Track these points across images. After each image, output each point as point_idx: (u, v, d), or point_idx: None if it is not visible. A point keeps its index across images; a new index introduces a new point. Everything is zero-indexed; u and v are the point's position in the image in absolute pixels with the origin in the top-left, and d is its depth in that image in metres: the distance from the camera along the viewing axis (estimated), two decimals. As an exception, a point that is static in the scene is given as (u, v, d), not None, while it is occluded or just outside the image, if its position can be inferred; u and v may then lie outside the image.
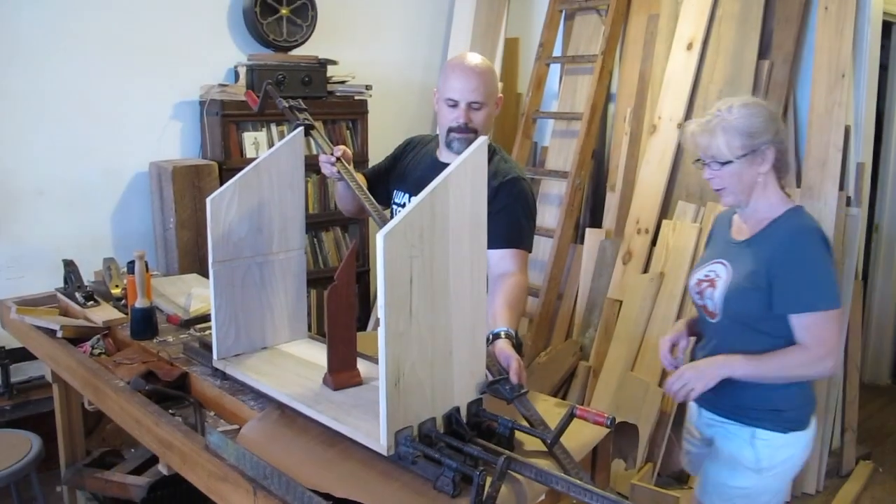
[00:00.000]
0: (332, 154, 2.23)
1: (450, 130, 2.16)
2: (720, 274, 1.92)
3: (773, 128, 1.83)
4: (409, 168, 2.37)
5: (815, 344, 1.78)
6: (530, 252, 2.19)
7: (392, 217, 2.17)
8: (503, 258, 2.09)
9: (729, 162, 1.83)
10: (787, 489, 2.01)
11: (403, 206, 2.30)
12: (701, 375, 1.85)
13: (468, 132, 2.13)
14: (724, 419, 1.95)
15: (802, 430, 1.92)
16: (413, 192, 2.22)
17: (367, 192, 2.18)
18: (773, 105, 1.94)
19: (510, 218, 2.12)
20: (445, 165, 1.83)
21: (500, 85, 2.29)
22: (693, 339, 2.09)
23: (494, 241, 1.96)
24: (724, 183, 1.87)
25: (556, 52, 4.37)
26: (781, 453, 1.90)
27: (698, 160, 1.91)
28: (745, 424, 1.90)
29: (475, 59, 2.15)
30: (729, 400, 1.91)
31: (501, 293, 1.99)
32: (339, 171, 2.22)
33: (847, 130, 3.40)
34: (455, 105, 2.13)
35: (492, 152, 2.21)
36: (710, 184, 1.91)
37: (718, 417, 1.96)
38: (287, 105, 2.38)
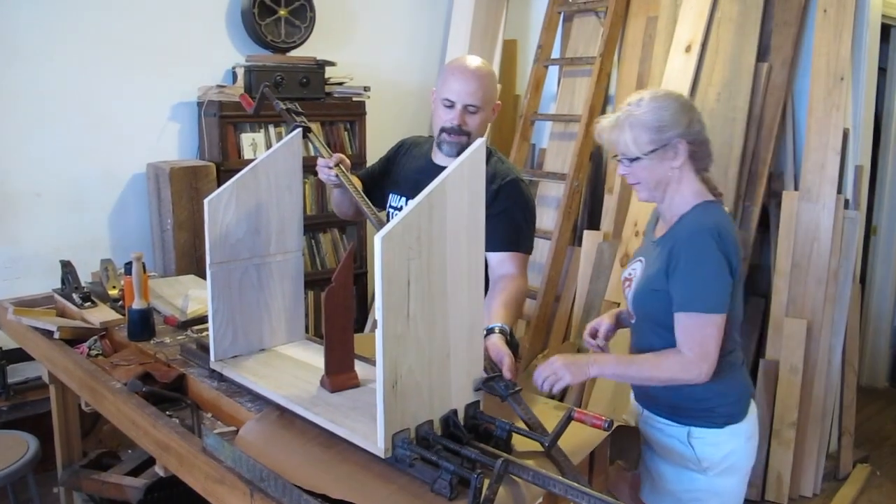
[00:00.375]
0: (330, 158, 2.24)
1: (442, 130, 2.16)
2: (637, 273, 1.89)
3: (683, 120, 1.76)
4: (404, 170, 2.36)
5: (690, 346, 1.73)
6: (530, 254, 2.20)
7: (388, 220, 2.18)
8: (503, 261, 2.10)
9: (638, 158, 1.78)
10: (743, 488, 1.94)
11: (400, 209, 2.30)
12: (570, 370, 1.78)
13: (461, 135, 2.12)
14: (661, 418, 1.90)
15: (739, 421, 1.87)
16: (409, 194, 2.22)
17: (365, 196, 2.18)
18: (686, 96, 1.85)
19: (510, 220, 2.11)
20: (440, 167, 1.88)
21: (498, 91, 2.29)
22: (616, 328, 2.06)
23: (494, 244, 2.00)
24: (638, 178, 1.82)
25: (555, 54, 4.37)
26: (722, 449, 1.85)
27: (615, 156, 1.86)
28: (680, 424, 1.86)
29: (476, 62, 2.14)
30: (664, 399, 1.88)
31: (500, 294, 2.00)
32: (337, 176, 2.21)
33: (845, 133, 3.41)
34: (451, 106, 2.12)
35: (489, 154, 2.19)
36: (626, 179, 1.87)
37: (656, 416, 1.92)
38: (284, 107, 2.37)
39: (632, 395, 2.07)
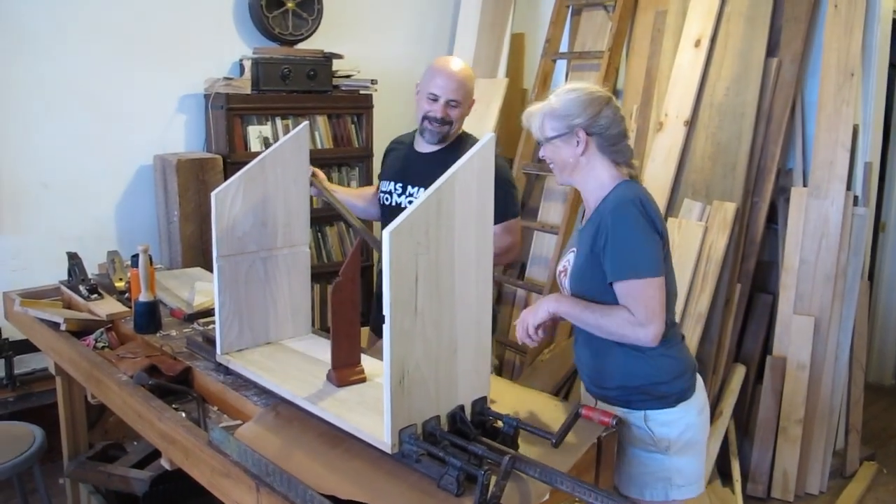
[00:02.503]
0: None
1: (425, 118, 2.44)
2: (570, 262, 1.96)
3: (589, 112, 1.85)
4: (391, 161, 2.65)
5: (636, 310, 1.78)
6: (518, 216, 2.51)
7: (381, 204, 2.60)
8: (498, 237, 2.24)
9: (544, 142, 1.92)
10: (702, 460, 1.98)
11: (388, 192, 2.59)
12: (533, 311, 1.89)
13: (443, 125, 2.42)
14: (616, 407, 1.92)
15: (690, 397, 1.92)
16: (395, 179, 2.57)
17: (343, 204, 2.55)
18: (604, 92, 1.92)
19: (499, 194, 2.28)
20: (420, 154, 2.51)
21: (474, 90, 2.53)
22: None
23: None
24: (550, 160, 1.95)
25: (563, 48, 4.35)
26: (677, 426, 1.89)
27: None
28: (635, 409, 1.89)
29: (459, 63, 2.45)
30: (615, 386, 1.91)
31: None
32: (314, 185, 2.51)
33: (855, 130, 3.39)
34: (436, 100, 2.40)
35: (467, 138, 2.54)
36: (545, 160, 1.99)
37: (611, 407, 1.93)
38: None
39: (582, 388, 2.11)
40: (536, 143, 4.30)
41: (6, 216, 3.48)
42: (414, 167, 2.53)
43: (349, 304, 1.75)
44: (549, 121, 1.89)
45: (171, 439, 1.78)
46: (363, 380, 1.80)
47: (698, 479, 1.96)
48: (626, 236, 1.80)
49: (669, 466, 1.89)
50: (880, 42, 3.52)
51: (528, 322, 1.89)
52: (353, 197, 2.79)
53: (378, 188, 2.69)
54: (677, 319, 1.99)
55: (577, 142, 1.87)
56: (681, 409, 1.90)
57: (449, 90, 2.39)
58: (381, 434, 1.46)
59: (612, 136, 1.88)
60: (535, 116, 1.93)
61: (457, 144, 2.50)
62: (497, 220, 2.17)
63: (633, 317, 1.78)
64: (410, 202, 2.47)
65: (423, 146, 2.53)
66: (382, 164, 2.71)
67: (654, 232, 1.82)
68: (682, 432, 1.90)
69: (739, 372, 3.54)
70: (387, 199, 2.60)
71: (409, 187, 2.52)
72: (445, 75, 2.40)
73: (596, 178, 1.91)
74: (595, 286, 1.86)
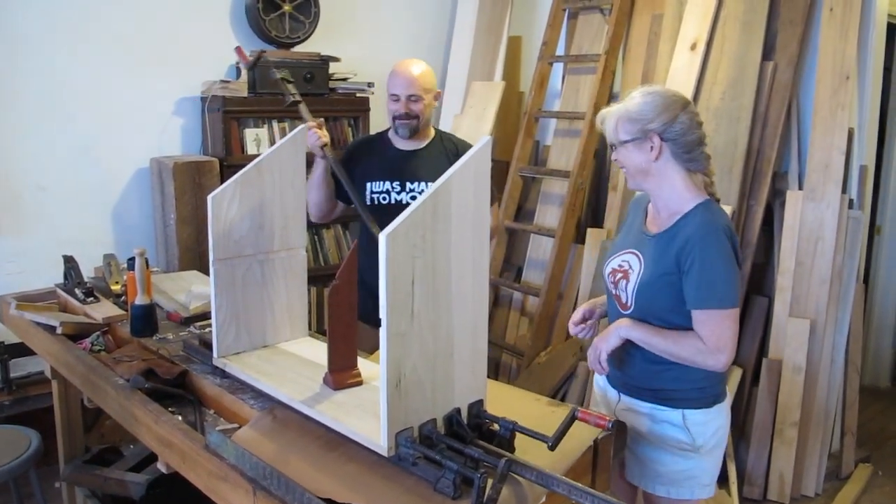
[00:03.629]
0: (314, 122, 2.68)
1: (394, 118, 2.69)
2: (633, 266, 1.93)
3: (664, 117, 1.83)
4: (371, 162, 2.74)
5: (709, 339, 1.81)
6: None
7: (374, 205, 2.68)
8: None
9: (617, 145, 1.89)
10: (721, 459, 2.05)
11: (386, 192, 2.70)
12: (605, 338, 1.91)
13: (409, 119, 2.65)
14: (651, 404, 1.95)
15: (723, 400, 1.98)
16: (388, 178, 2.69)
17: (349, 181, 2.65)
18: (685, 97, 1.92)
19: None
20: (402, 151, 2.73)
21: (435, 81, 2.75)
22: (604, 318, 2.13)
23: None
24: (623, 164, 1.92)
25: (559, 51, 4.36)
26: (711, 427, 1.94)
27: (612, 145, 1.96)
28: (674, 408, 1.92)
29: (413, 63, 2.67)
30: (653, 385, 1.93)
31: None
32: (322, 149, 2.65)
33: (850, 133, 3.40)
34: (397, 99, 2.64)
35: (442, 134, 2.81)
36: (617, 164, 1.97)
37: (644, 403, 1.96)
38: (279, 77, 2.85)
39: (596, 385, 2.14)
40: (535, 146, 4.29)
41: (2, 219, 3.48)
42: (404, 164, 2.70)
43: (346, 307, 1.75)
44: (624, 124, 1.86)
45: (167, 443, 1.78)
46: (360, 383, 1.80)
47: (715, 479, 2.02)
48: (715, 266, 1.81)
49: (699, 466, 1.93)
50: (875, 46, 3.54)
51: (600, 349, 1.90)
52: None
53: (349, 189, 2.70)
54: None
55: (651, 147, 1.84)
56: (716, 410, 1.95)
57: (405, 87, 2.62)
58: (377, 437, 1.46)
59: (687, 142, 1.86)
60: (610, 118, 1.89)
61: (437, 140, 2.77)
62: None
63: (705, 345, 1.80)
64: (414, 198, 2.61)
65: (403, 143, 2.73)
66: (350, 165, 2.74)
67: (735, 262, 1.84)
68: (715, 432, 1.95)
69: (735, 374, 3.55)
70: (384, 198, 2.70)
71: (409, 183, 2.67)
72: (400, 75, 2.64)
73: (671, 187, 1.89)
74: (666, 304, 1.87)
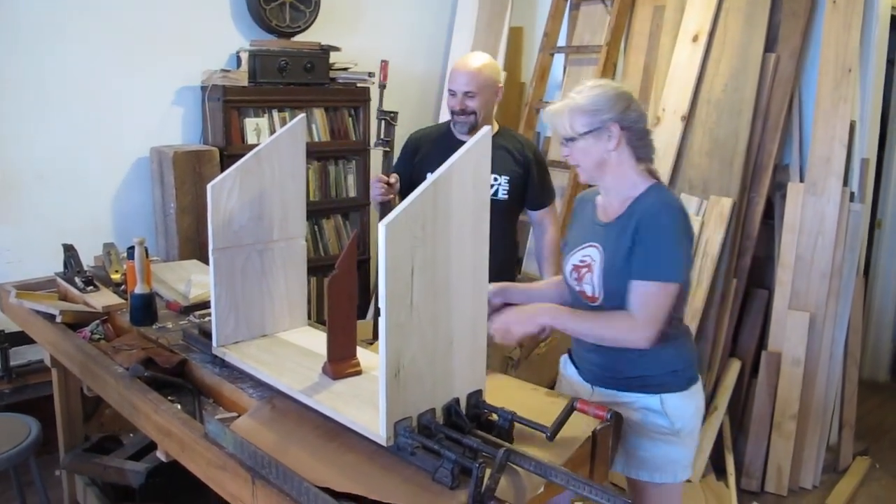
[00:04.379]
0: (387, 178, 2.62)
1: (452, 113, 2.67)
2: (595, 258, 1.94)
3: (618, 106, 1.85)
4: (431, 154, 2.67)
5: (640, 311, 1.81)
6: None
7: None
8: (544, 216, 2.85)
9: (573, 139, 1.89)
10: (696, 446, 2.10)
11: None
12: (523, 320, 1.90)
13: (466, 115, 2.62)
14: (630, 392, 1.96)
15: (697, 381, 2.01)
16: None
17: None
18: (626, 88, 1.94)
19: (544, 181, 2.81)
20: (461, 142, 2.57)
21: (500, 76, 2.70)
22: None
23: (536, 204, 2.82)
24: (577, 160, 1.92)
25: (561, 42, 4.34)
26: (690, 409, 1.97)
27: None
28: (652, 394, 1.94)
29: (473, 56, 2.66)
30: (631, 373, 1.95)
31: (550, 255, 2.82)
32: (383, 196, 2.61)
33: (852, 126, 3.39)
34: (454, 95, 2.62)
35: (504, 130, 2.79)
36: (568, 161, 1.97)
37: (622, 392, 1.97)
38: (388, 118, 2.75)
39: (564, 380, 2.15)
40: (536, 137, 4.27)
41: (2, 208, 3.47)
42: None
43: (345, 297, 1.75)
44: (579, 117, 1.86)
45: (166, 432, 1.78)
46: (359, 372, 1.80)
47: (693, 460, 2.05)
48: (662, 239, 1.82)
49: (680, 449, 1.95)
50: (878, 38, 3.52)
51: (514, 332, 1.91)
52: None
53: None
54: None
55: (609, 136, 1.86)
56: (691, 391, 1.97)
57: (462, 83, 2.59)
58: (376, 427, 1.46)
59: (639, 130, 1.89)
60: (561, 114, 1.89)
61: (500, 135, 2.71)
62: (548, 204, 2.85)
63: (634, 320, 1.81)
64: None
65: (464, 137, 2.66)
66: (413, 157, 2.76)
67: (688, 239, 1.86)
68: (693, 415, 1.98)
69: (734, 367, 3.56)
70: None
71: None
72: (459, 71, 2.61)
73: (624, 175, 1.91)
74: (621, 289, 1.88)
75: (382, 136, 2.68)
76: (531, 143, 2.84)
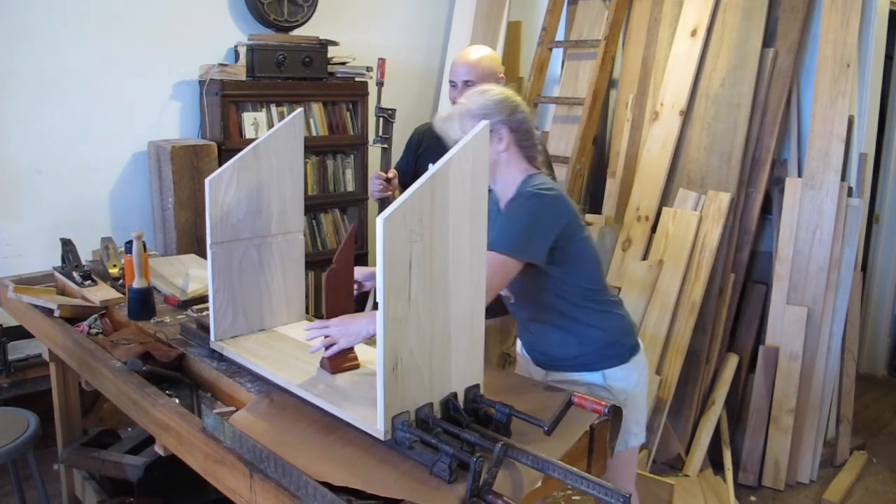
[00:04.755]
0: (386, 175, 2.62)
1: (379, 110, 2.73)
2: None
3: (506, 108, 1.92)
4: (434, 147, 2.60)
5: None
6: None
7: None
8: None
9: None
10: (646, 410, 2.22)
11: None
12: (347, 333, 1.75)
13: (386, 112, 2.68)
14: (573, 373, 2.05)
15: (638, 352, 2.09)
16: None
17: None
18: (511, 92, 2.00)
19: None
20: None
21: (500, 68, 2.68)
22: None
23: None
24: None
25: (559, 36, 4.34)
26: (632, 380, 2.06)
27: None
28: (593, 370, 2.03)
29: (472, 49, 2.65)
30: (574, 355, 2.03)
31: None
32: (384, 193, 2.63)
33: (850, 121, 3.39)
34: (455, 86, 2.62)
35: None
36: None
37: (568, 374, 2.05)
38: (386, 115, 2.79)
39: (526, 363, 2.21)
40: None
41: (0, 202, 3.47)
42: None
43: (343, 291, 1.76)
44: (469, 121, 1.88)
45: (164, 426, 1.78)
46: (356, 366, 1.81)
47: (645, 426, 2.15)
48: (511, 219, 1.90)
49: (628, 418, 2.00)
50: (877, 33, 3.52)
51: (340, 344, 1.76)
52: None
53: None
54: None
55: (500, 138, 1.92)
56: (632, 363, 2.06)
57: (462, 73, 2.60)
58: (374, 421, 1.46)
59: (526, 130, 1.97)
60: (453, 120, 1.93)
61: None
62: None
63: None
64: None
65: None
66: (416, 150, 2.77)
67: (542, 223, 1.88)
68: (636, 385, 2.07)
69: (732, 361, 3.56)
70: None
71: None
72: (458, 62, 2.63)
73: (512, 175, 1.98)
74: (530, 282, 1.96)
75: (381, 133, 2.70)
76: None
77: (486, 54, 2.64)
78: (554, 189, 1.94)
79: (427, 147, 2.74)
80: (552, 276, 1.95)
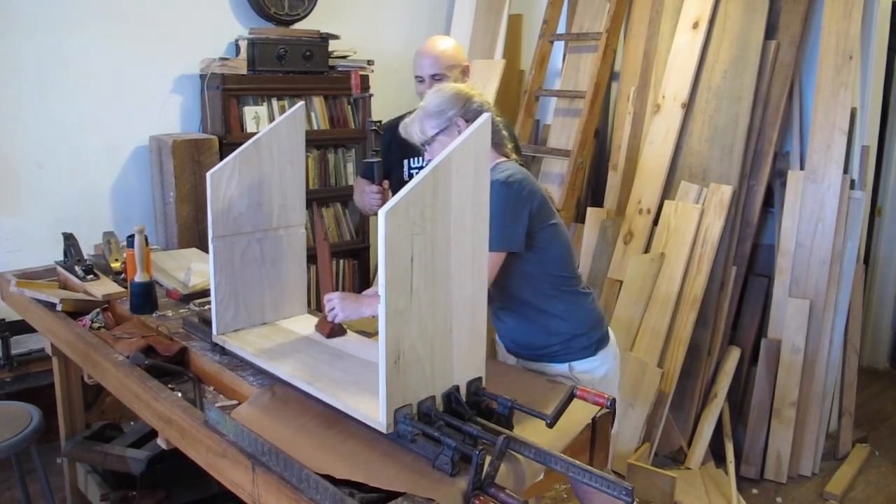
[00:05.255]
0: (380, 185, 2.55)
1: (371, 123, 2.61)
2: None
3: (459, 101, 1.99)
4: (400, 144, 2.55)
5: None
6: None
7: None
8: None
9: (429, 142, 2.02)
10: (618, 398, 2.15)
11: (420, 168, 2.59)
12: (347, 308, 1.96)
13: (379, 125, 2.58)
14: (540, 362, 2.09)
15: (606, 344, 2.14)
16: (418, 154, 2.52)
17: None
18: (466, 88, 2.07)
19: None
20: None
21: (465, 55, 2.68)
22: None
23: None
24: (434, 154, 2.02)
25: (560, 29, 4.32)
26: (599, 372, 2.10)
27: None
28: (560, 362, 2.08)
29: (434, 41, 2.61)
30: (542, 346, 2.08)
31: None
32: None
33: (853, 113, 3.38)
34: (422, 80, 2.57)
35: None
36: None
37: (536, 363, 2.10)
38: (373, 128, 2.67)
39: (501, 350, 2.27)
40: (535, 125, 4.26)
41: (1, 197, 3.47)
42: None
43: (330, 261, 1.95)
44: (427, 121, 1.99)
45: (167, 419, 1.78)
46: (344, 332, 1.96)
47: (617, 415, 2.14)
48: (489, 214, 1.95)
49: None
50: (879, 25, 3.51)
51: (339, 317, 1.96)
52: None
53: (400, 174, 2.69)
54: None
55: (459, 130, 1.96)
56: (601, 355, 2.11)
57: (427, 67, 2.55)
58: (376, 414, 1.47)
59: None
60: (413, 123, 2.03)
61: None
62: None
63: None
64: None
65: None
66: (391, 145, 2.67)
67: (514, 210, 1.94)
68: (604, 375, 2.12)
69: (734, 354, 3.56)
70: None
71: None
72: (422, 55, 2.57)
73: None
74: (504, 278, 2.00)
75: (374, 147, 2.64)
76: (506, 118, 2.83)
77: (450, 44, 2.62)
78: (518, 174, 1.98)
79: (399, 144, 2.63)
80: (522, 264, 2.00)
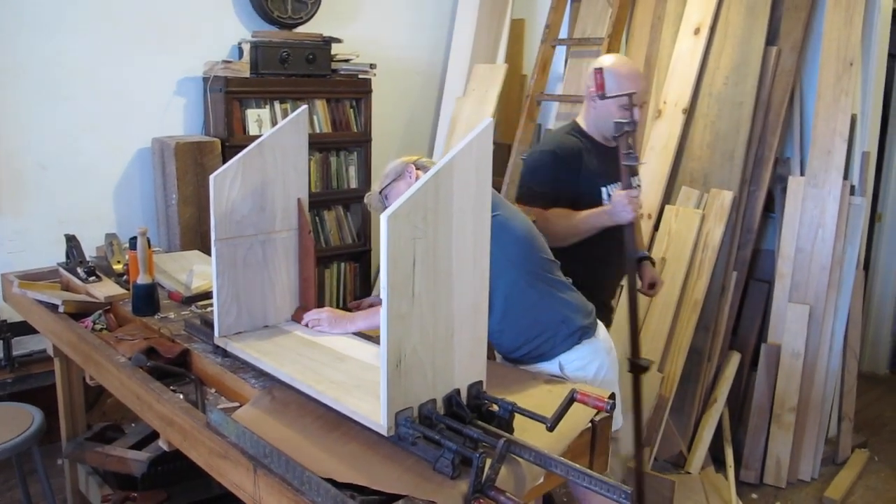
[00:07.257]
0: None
1: (623, 125, 2.39)
2: None
3: (404, 158, 2.18)
4: (594, 167, 2.55)
5: None
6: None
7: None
8: None
9: (384, 191, 2.16)
10: (618, 398, 2.15)
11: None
12: (334, 325, 2.08)
13: (635, 126, 2.44)
14: (531, 365, 2.11)
15: (591, 334, 2.16)
16: (612, 181, 2.54)
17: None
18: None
19: None
20: (610, 149, 2.52)
21: None
22: None
23: None
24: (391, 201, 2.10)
25: (562, 34, 4.33)
26: (591, 368, 2.12)
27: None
28: (550, 360, 2.10)
29: (631, 60, 2.62)
30: (524, 343, 2.11)
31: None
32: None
33: (853, 119, 3.39)
34: (632, 105, 2.40)
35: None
36: None
37: (530, 366, 2.12)
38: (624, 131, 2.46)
39: (498, 359, 2.30)
40: (537, 129, 4.25)
41: (4, 198, 3.48)
42: (614, 164, 2.50)
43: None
44: (383, 179, 2.16)
45: (169, 421, 1.79)
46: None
47: (618, 413, 2.21)
48: None
49: None
50: (880, 32, 3.52)
51: (324, 329, 2.06)
52: None
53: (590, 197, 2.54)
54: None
55: (409, 174, 2.11)
56: (587, 346, 2.12)
57: (641, 92, 2.47)
58: (377, 417, 1.47)
59: (425, 162, 2.18)
60: (373, 191, 2.20)
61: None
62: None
63: None
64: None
65: (607, 143, 2.57)
66: (563, 174, 2.51)
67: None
68: (597, 372, 2.12)
69: (734, 359, 3.56)
70: None
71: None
72: (636, 76, 2.48)
73: None
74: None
75: (626, 149, 2.47)
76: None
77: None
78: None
79: (587, 166, 2.54)
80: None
